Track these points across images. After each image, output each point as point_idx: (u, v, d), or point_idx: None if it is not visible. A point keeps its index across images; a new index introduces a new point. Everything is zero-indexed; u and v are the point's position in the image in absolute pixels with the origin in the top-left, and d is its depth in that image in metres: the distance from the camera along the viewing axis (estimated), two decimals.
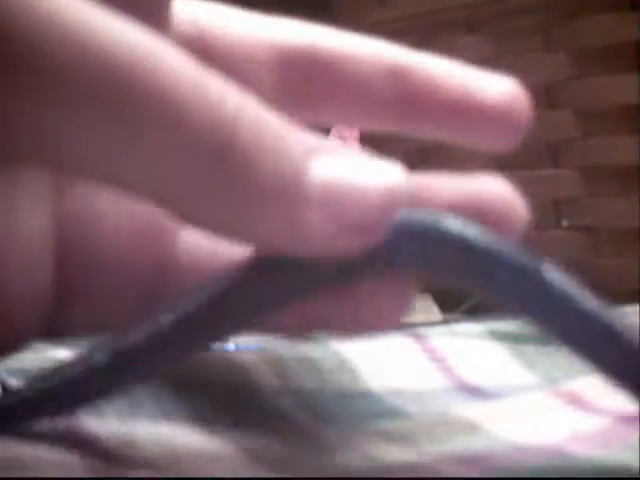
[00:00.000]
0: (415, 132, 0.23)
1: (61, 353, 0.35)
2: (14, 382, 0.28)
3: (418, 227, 0.16)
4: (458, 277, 0.17)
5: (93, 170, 0.15)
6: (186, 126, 0.14)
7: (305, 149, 0.15)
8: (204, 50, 0.21)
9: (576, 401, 0.23)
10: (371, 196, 0.15)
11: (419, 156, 0.54)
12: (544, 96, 0.48)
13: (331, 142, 0.15)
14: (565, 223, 0.47)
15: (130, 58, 0.14)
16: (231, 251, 0.18)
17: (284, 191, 0.15)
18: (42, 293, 0.19)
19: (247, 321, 0.17)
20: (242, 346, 0.32)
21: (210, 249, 0.20)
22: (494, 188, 0.21)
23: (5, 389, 0.27)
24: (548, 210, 0.48)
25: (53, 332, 0.21)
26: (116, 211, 0.19)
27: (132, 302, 0.20)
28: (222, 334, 0.18)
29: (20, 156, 0.16)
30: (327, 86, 0.22)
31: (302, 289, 0.17)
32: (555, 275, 0.17)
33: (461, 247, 0.16)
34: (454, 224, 0.16)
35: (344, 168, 0.15)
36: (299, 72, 0.22)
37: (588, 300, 0.16)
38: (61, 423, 0.19)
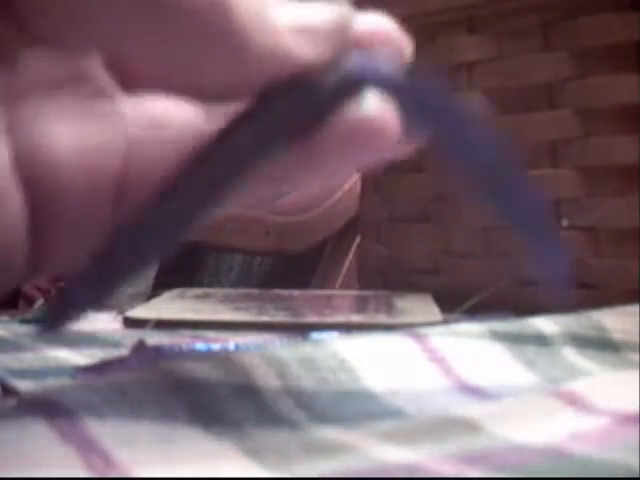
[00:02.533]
0: None
1: (61, 353, 0.35)
2: (14, 382, 0.28)
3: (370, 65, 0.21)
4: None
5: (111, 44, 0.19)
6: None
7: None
8: None
9: (576, 401, 0.23)
10: (329, 17, 0.21)
11: (416, 157, 0.54)
12: (544, 96, 0.48)
13: None
14: (565, 223, 0.47)
15: None
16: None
17: (260, 26, 0.19)
18: (19, 232, 0.20)
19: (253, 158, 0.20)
20: (242, 346, 0.32)
21: (161, 163, 0.22)
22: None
23: (5, 389, 0.27)
24: (548, 210, 0.48)
25: (36, 272, 0.22)
26: (66, 145, 0.21)
27: (98, 226, 0.22)
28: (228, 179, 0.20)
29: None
30: None
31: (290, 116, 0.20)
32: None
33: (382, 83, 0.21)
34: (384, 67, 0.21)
35: (296, 7, 0.21)
36: None
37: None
38: (62, 423, 0.19)
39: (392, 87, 0.20)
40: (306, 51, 0.20)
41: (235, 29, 0.19)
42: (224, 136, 0.20)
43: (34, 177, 0.20)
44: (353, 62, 0.21)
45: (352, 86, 0.20)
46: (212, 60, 0.19)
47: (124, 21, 0.18)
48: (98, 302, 0.20)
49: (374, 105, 0.20)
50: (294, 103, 0.20)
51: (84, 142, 0.21)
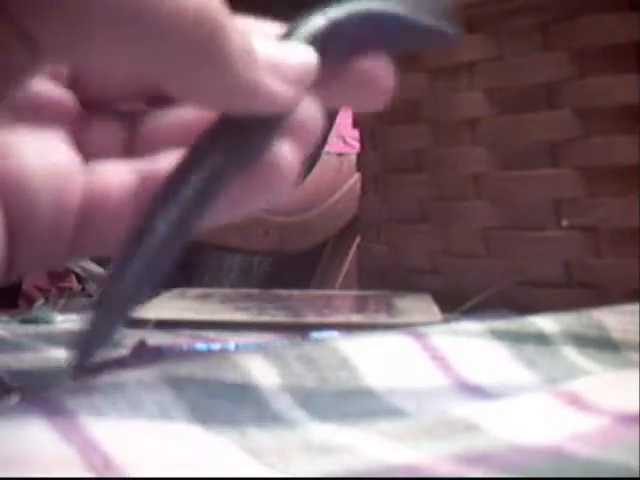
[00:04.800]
0: None
1: (61, 353, 0.35)
2: (14, 382, 0.28)
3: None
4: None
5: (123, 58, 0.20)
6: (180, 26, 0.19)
7: (250, 29, 0.22)
8: None
9: (576, 401, 0.23)
10: (297, 59, 0.23)
11: (416, 157, 0.54)
12: (544, 96, 0.48)
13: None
14: (565, 223, 0.47)
15: None
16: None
17: (247, 65, 0.21)
18: None
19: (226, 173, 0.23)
20: (242, 346, 0.32)
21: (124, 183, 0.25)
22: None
23: (5, 389, 0.27)
24: (548, 210, 0.48)
25: (8, 276, 0.24)
26: (33, 164, 0.23)
27: (67, 238, 0.24)
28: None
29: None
30: None
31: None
32: None
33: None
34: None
35: (273, 45, 0.23)
36: None
37: None
38: (62, 423, 0.19)
39: None
40: (283, 93, 0.22)
41: (224, 57, 0.20)
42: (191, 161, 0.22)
43: (9, 195, 0.23)
44: None
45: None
46: (196, 83, 0.21)
47: (110, 38, 0.19)
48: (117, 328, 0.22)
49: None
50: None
51: (50, 163, 0.24)
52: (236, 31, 0.20)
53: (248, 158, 0.23)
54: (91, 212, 0.24)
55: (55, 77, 0.25)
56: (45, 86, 0.25)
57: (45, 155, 0.24)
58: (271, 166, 0.24)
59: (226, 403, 0.22)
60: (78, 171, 0.25)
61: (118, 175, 0.25)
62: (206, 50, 0.20)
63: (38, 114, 0.24)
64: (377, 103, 0.26)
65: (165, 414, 0.21)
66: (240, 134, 0.23)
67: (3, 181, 0.23)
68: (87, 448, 0.18)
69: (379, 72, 0.25)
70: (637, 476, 0.18)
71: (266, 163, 0.24)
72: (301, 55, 0.23)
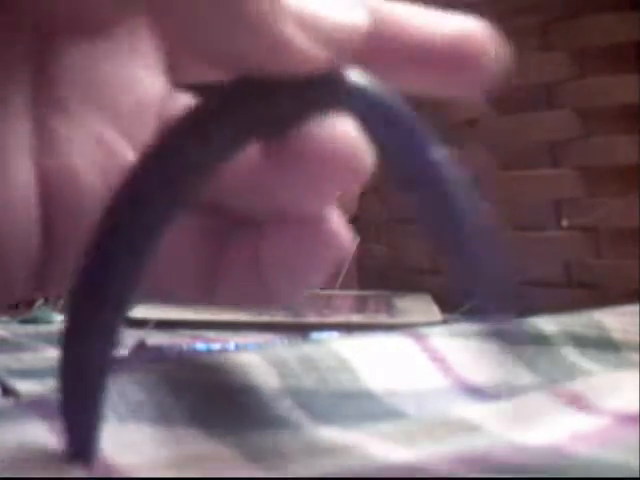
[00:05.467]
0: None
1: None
2: (14, 382, 0.28)
3: (341, 75, 0.19)
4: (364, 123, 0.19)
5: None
6: None
7: None
8: None
9: (576, 401, 0.23)
10: (339, 15, 0.19)
11: None
12: (544, 96, 0.48)
13: None
14: (565, 223, 0.47)
15: None
16: None
17: (268, 14, 0.17)
18: (29, 249, 0.20)
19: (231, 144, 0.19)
20: (242, 346, 0.32)
21: None
22: (470, 32, 0.23)
23: (5, 389, 0.27)
24: (548, 210, 0.48)
25: (41, 288, 0.22)
26: (88, 166, 0.21)
27: None
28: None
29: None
30: None
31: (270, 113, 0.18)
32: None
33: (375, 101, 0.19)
34: (385, 93, 0.19)
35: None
36: None
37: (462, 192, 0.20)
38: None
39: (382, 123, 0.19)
40: (311, 52, 0.18)
41: (247, 9, 0.17)
42: (190, 120, 0.18)
43: (53, 194, 0.20)
44: (353, 77, 0.19)
45: (343, 103, 0.19)
46: (217, 36, 0.18)
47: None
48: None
49: (352, 131, 0.19)
50: (271, 99, 0.19)
51: (104, 165, 0.21)
52: None
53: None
54: None
55: None
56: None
57: (108, 170, 0.21)
58: (320, 233, 0.20)
59: (226, 406, 0.22)
60: None
61: None
62: None
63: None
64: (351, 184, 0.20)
65: (165, 417, 0.21)
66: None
67: (49, 180, 0.20)
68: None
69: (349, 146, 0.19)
70: (637, 476, 0.18)
71: (312, 231, 0.20)
72: (346, 16, 0.19)
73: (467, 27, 0.21)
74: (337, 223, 0.21)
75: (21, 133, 0.19)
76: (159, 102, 0.22)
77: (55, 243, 0.20)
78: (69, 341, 0.18)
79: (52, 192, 0.20)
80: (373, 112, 0.19)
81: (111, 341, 0.18)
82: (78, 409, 0.18)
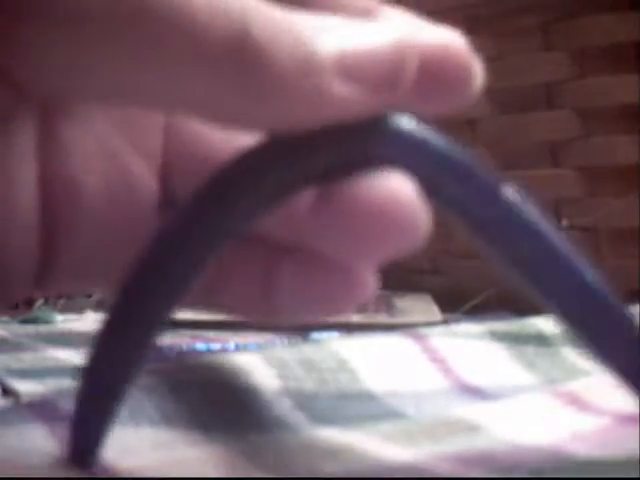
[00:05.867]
0: None
1: (61, 353, 0.35)
2: (14, 382, 0.28)
3: (400, 127, 0.17)
4: (426, 184, 0.18)
5: (126, 93, 0.17)
6: (199, 32, 0.15)
7: (314, 28, 0.17)
8: None
9: (576, 401, 0.23)
10: (382, 51, 0.17)
11: None
12: (544, 96, 0.48)
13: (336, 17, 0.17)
14: (565, 223, 0.47)
15: None
16: None
17: (302, 70, 0.16)
18: (29, 250, 0.20)
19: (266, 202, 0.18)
20: (242, 346, 0.32)
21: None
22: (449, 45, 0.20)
23: (5, 389, 0.27)
24: (548, 210, 0.48)
25: (40, 289, 0.21)
26: (91, 171, 0.20)
27: (113, 259, 0.21)
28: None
29: (65, 93, 0.17)
30: None
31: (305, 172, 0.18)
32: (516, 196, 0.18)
33: (437, 159, 0.18)
34: (440, 141, 0.18)
35: (353, 34, 0.17)
36: None
37: (548, 225, 0.18)
38: (62, 429, 0.19)
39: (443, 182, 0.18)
40: (354, 99, 0.17)
41: (267, 71, 0.16)
42: (238, 169, 0.18)
43: (55, 202, 0.20)
44: (402, 127, 0.17)
45: (393, 149, 0.18)
46: (243, 99, 0.16)
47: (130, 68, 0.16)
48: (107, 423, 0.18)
49: (407, 188, 0.18)
50: (320, 150, 0.17)
51: (108, 182, 0.21)
52: (282, 28, 0.16)
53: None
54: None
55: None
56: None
57: (108, 173, 0.21)
58: (344, 278, 0.19)
59: (226, 407, 0.22)
60: (150, 205, 0.21)
61: None
62: (243, 61, 0.16)
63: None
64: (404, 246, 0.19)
65: (165, 418, 0.21)
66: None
67: (51, 187, 0.20)
68: None
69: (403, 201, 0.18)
70: (637, 476, 0.18)
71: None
72: (392, 47, 0.17)
73: (444, 39, 0.19)
74: (365, 276, 0.20)
75: (26, 135, 0.19)
76: (165, 117, 0.22)
77: (55, 245, 0.20)
78: (102, 342, 0.18)
79: (54, 194, 0.20)
80: (423, 159, 0.18)
81: (144, 349, 0.18)
82: (93, 411, 0.18)
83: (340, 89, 0.16)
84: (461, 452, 0.20)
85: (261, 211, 0.18)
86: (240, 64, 0.16)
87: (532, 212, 0.18)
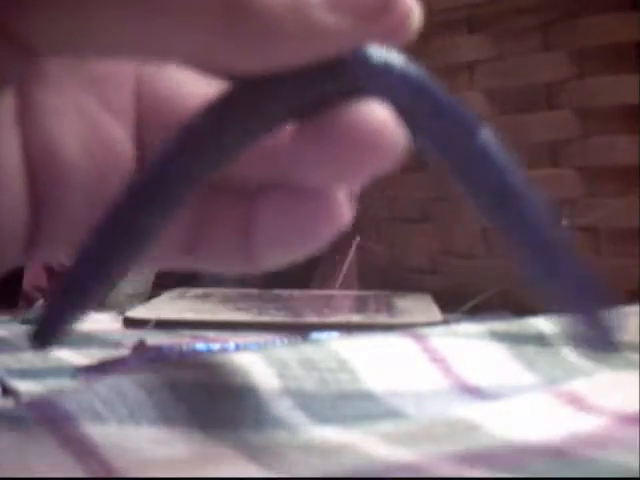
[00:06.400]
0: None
1: (61, 353, 0.35)
2: (14, 382, 0.28)
3: (384, 60, 0.18)
4: (406, 114, 0.19)
5: (122, 47, 0.17)
6: None
7: None
8: None
9: (576, 401, 0.23)
10: None
11: (416, 157, 0.54)
12: (544, 96, 0.48)
13: None
14: (565, 223, 0.47)
15: None
16: None
17: (291, 5, 0.17)
18: (18, 215, 0.20)
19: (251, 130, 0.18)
20: (242, 346, 0.32)
21: None
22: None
23: (5, 389, 0.27)
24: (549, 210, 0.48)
25: (31, 256, 0.22)
26: (69, 133, 0.21)
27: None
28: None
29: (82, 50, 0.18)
30: None
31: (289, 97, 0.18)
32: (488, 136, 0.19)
33: (418, 90, 0.18)
34: (416, 70, 0.18)
35: None
36: None
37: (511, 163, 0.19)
38: (62, 428, 0.19)
39: (422, 97, 0.18)
40: (342, 30, 0.17)
41: (258, 15, 0.17)
42: (226, 101, 0.19)
43: (39, 167, 0.21)
44: (379, 54, 0.18)
45: (377, 80, 0.18)
46: (237, 47, 0.17)
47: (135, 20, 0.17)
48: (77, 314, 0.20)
49: (385, 113, 0.18)
50: (307, 80, 0.18)
51: (86, 136, 0.21)
52: None
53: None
54: None
55: None
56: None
57: (88, 141, 0.21)
58: (320, 206, 0.20)
59: (226, 406, 0.22)
60: (124, 166, 0.22)
61: None
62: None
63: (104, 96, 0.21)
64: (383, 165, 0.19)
65: (165, 417, 0.21)
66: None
67: (34, 153, 0.21)
68: (87, 454, 0.18)
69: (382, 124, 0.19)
70: (637, 476, 0.18)
71: (313, 202, 0.20)
72: None
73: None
74: (341, 200, 0.20)
75: (7, 102, 0.20)
76: (135, 74, 0.22)
77: (41, 208, 0.21)
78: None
79: (36, 158, 0.20)
80: (405, 92, 0.18)
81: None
82: (63, 300, 0.19)
83: (329, 20, 0.17)
84: (461, 452, 0.20)
85: (250, 137, 0.19)
86: (232, 12, 0.16)
87: (504, 155, 0.19)
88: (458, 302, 0.47)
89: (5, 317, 0.46)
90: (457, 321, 0.40)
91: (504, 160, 0.19)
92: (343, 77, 0.18)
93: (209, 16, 0.17)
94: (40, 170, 0.21)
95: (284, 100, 0.18)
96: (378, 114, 0.18)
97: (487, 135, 0.19)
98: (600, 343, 0.19)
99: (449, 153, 0.19)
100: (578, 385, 0.25)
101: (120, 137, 0.22)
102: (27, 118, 0.20)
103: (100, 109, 0.22)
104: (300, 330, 0.38)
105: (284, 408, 0.22)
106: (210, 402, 0.22)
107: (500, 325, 0.29)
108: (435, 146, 0.19)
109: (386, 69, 0.18)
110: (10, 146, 0.20)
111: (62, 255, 0.22)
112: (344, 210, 0.20)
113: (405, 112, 0.18)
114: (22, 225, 0.20)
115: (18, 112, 0.20)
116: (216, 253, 0.22)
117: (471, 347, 0.28)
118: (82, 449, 0.18)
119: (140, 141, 0.22)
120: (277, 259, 0.22)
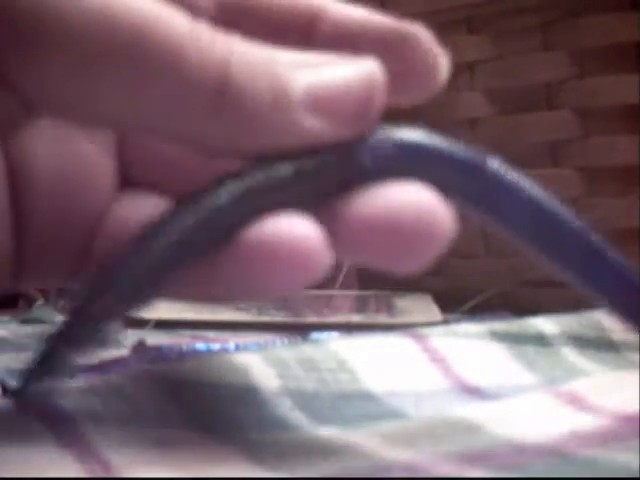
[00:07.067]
0: None
1: None
2: (14, 382, 0.28)
3: (387, 138, 0.19)
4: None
5: (115, 120, 0.18)
6: (184, 69, 0.17)
7: (290, 64, 0.18)
8: None
9: (576, 401, 0.23)
10: (353, 86, 0.18)
11: None
12: (544, 96, 0.48)
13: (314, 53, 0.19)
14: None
15: (137, 18, 0.17)
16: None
17: (274, 105, 0.17)
18: (4, 244, 0.21)
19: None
20: (242, 346, 0.32)
21: (140, 216, 0.21)
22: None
23: (5, 389, 0.27)
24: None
25: (17, 283, 0.23)
26: (49, 158, 0.21)
27: (77, 247, 0.22)
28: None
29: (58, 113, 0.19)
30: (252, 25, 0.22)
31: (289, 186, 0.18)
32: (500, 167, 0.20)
33: (429, 157, 0.20)
34: (420, 136, 0.20)
35: (325, 70, 0.18)
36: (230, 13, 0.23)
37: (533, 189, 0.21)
38: (61, 429, 0.19)
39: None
40: (324, 131, 0.18)
41: (245, 108, 0.17)
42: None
43: (18, 187, 0.21)
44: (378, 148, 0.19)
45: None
46: (216, 133, 0.18)
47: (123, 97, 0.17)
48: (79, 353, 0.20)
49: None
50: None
51: (67, 158, 0.22)
52: (260, 67, 0.18)
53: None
54: (108, 236, 0.22)
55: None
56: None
57: (63, 159, 0.22)
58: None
59: (225, 405, 0.22)
60: (107, 188, 0.22)
61: (144, 210, 0.21)
62: (222, 96, 0.17)
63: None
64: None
65: (164, 417, 0.21)
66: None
67: (13, 175, 0.21)
68: (86, 454, 0.18)
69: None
70: (637, 476, 0.18)
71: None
72: (355, 80, 0.18)
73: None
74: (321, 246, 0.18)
75: None
76: None
77: (24, 235, 0.21)
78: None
79: (17, 184, 0.21)
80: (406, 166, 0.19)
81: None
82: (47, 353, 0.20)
83: (310, 122, 0.18)
84: (461, 452, 0.20)
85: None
86: (221, 102, 0.17)
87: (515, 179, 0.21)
88: (458, 302, 0.47)
89: (5, 317, 0.46)
90: (457, 321, 0.40)
91: (518, 182, 0.21)
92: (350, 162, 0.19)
93: (197, 102, 0.17)
94: (20, 195, 0.21)
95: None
96: (417, 194, 0.20)
97: (496, 164, 0.20)
98: None
99: (467, 193, 0.21)
100: (578, 385, 0.25)
101: (101, 160, 0.22)
102: (10, 142, 0.21)
103: (79, 132, 0.22)
104: (300, 330, 0.38)
105: (284, 408, 0.22)
106: (210, 402, 0.22)
107: (500, 325, 0.29)
108: (464, 201, 0.21)
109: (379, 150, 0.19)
110: None
111: (48, 282, 0.23)
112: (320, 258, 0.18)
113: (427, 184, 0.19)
114: (8, 251, 0.21)
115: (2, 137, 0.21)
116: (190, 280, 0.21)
117: (471, 347, 0.28)
118: (82, 449, 0.18)
119: (123, 162, 0.22)
120: (253, 295, 0.22)
